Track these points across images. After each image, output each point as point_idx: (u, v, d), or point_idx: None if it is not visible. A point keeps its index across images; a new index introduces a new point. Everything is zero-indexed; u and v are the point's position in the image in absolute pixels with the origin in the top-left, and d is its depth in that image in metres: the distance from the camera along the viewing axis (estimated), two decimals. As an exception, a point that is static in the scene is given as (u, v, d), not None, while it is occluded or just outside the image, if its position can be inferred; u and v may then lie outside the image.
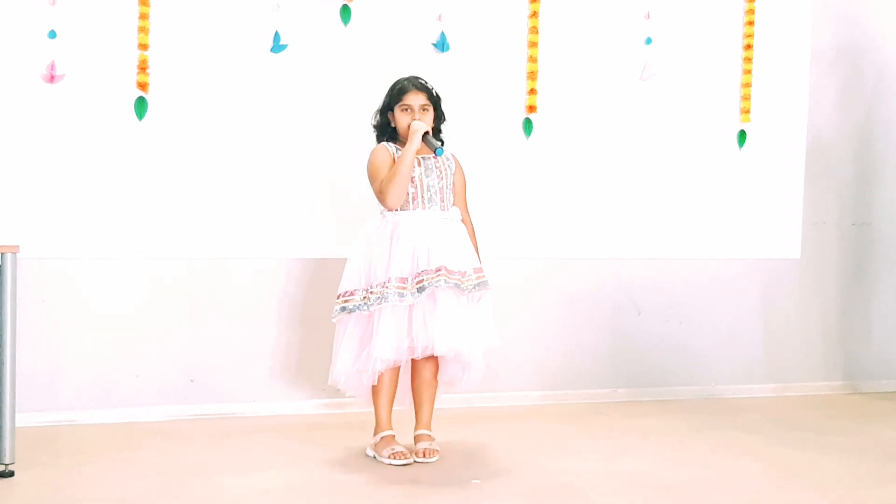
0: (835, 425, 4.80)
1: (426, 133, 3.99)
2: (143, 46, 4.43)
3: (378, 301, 3.89)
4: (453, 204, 4.09)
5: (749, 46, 5.31)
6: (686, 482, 3.79)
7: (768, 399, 5.35)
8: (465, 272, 3.97)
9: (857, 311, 5.61)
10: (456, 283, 3.91)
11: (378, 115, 4.12)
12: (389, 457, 3.93)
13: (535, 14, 4.96)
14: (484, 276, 4.06)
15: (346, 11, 4.73)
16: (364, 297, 3.93)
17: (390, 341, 3.88)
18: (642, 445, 4.34)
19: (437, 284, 3.88)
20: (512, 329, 4.79)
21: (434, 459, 3.98)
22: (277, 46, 4.64)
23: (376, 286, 3.91)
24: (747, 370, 5.42)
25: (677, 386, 5.29)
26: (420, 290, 3.89)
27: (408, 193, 3.98)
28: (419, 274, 3.90)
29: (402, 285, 3.89)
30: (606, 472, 3.90)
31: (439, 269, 3.90)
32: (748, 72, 5.31)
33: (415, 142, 3.96)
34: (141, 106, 4.47)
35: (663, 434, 4.54)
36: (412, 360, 4.05)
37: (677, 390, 5.28)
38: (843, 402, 5.37)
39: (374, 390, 4.02)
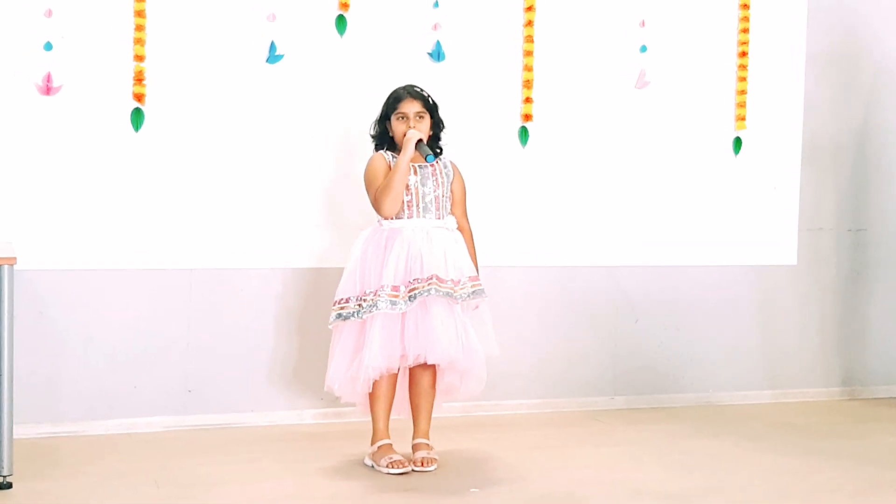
0: (834, 432, 4.80)
1: (420, 141, 4.00)
2: (140, 58, 4.44)
3: (370, 308, 3.90)
4: (451, 212, 4.11)
5: (744, 53, 5.32)
6: (688, 491, 3.79)
7: (766, 405, 5.35)
8: (459, 280, 3.97)
9: (854, 316, 5.62)
10: (448, 292, 3.91)
11: (376, 125, 4.14)
12: (387, 466, 3.93)
13: (530, 23, 4.97)
14: (480, 285, 4.07)
15: (341, 22, 4.74)
16: (358, 305, 3.94)
17: (382, 349, 3.89)
18: (642, 453, 4.34)
19: (428, 293, 3.89)
20: (510, 336, 4.79)
21: (432, 468, 3.98)
22: (273, 57, 4.65)
23: (369, 294, 3.92)
24: (745, 377, 5.42)
25: (675, 393, 5.29)
26: (412, 298, 3.90)
27: (403, 202, 4.00)
28: (412, 282, 3.91)
29: (395, 293, 3.90)
30: (607, 481, 3.90)
31: (431, 278, 3.91)
32: (743, 79, 5.33)
33: (408, 150, 3.97)
34: (137, 117, 4.47)
35: (663, 441, 4.54)
36: (409, 368, 4.05)
37: (675, 397, 5.28)
38: (841, 408, 5.37)
39: (371, 399, 4.03)
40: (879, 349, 5.64)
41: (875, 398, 5.58)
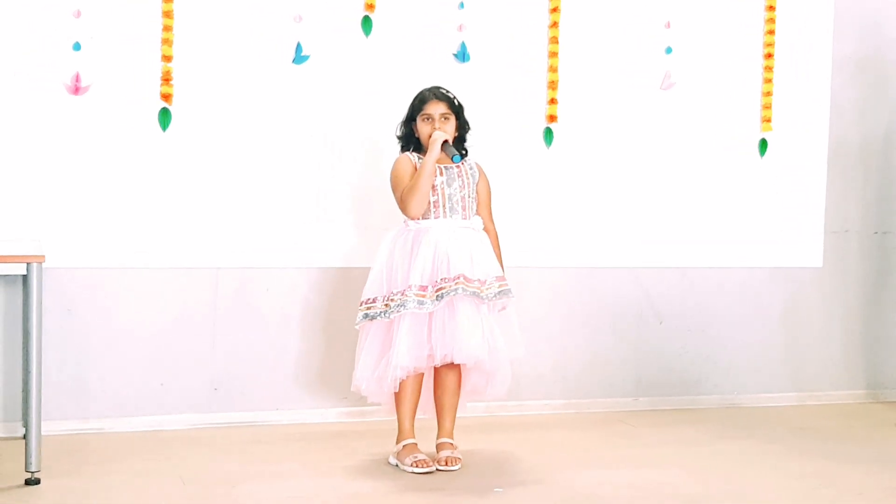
0: (858, 436, 4.78)
1: (445, 142, 4.01)
2: (167, 58, 4.47)
3: (398, 308, 3.91)
4: (477, 213, 4.12)
5: (770, 55, 5.30)
6: (712, 494, 3.79)
7: (791, 408, 5.32)
8: (486, 280, 3.98)
9: (879, 319, 5.58)
10: (474, 292, 3.92)
11: (402, 126, 4.16)
12: (412, 465, 3.94)
13: (555, 24, 4.97)
14: (507, 285, 4.07)
15: (367, 23, 4.76)
16: (385, 305, 3.96)
17: (410, 349, 3.91)
18: (666, 455, 4.33)
19: (455, 292, 3.90)
20: (534, 337, 4.79)
21: (457, 468, 3.98)
22: (299, 58, 4.67)
23: (396, 294, 3.93)
24: (769, 379, 5.40)
25: (699, 395, 5.28)
26: (439, 297, 3.91)
27: (429, 202, 4.01)
28: (439, 282, 3.92)
29: (422, 293, 3.91)
30: (631, 483, 3.90)
31: (458, 278, 3.92)
32: (769, 80, 5.31)
33: (434, 151, 3.99)
34: (165, 117, 4.50)
35: (687, 444, 4.53)
36: (435, 368, 4.06)
37: (699, 399, 5.27)
38: (866, 411, 5.34)
39: (397, 398, 4.04)
40: (904, 353, 5.61)
41: (901, 400, 5.56)
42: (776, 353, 5.41)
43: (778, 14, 5.31)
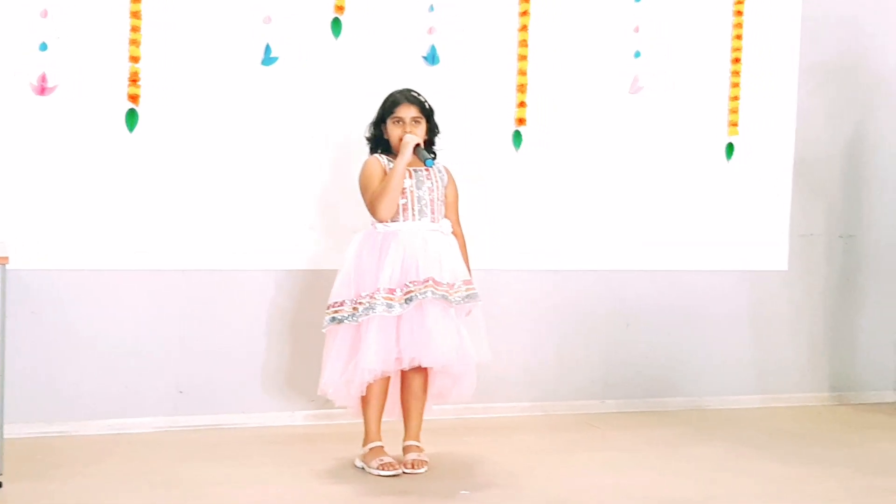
0: (825, 438, 4.82)
1: (417, 145, 4.01)
2: (135, 59, 4.44)
3: (366, 311, 3.91)
4: (444, 216, 4.12)
5: (737, 60, 5.34)
6: (684, 498, 3.81)
7: (757, 410, 5.36)
8: (454, 284, 3.99)
9: (844, 322, 5.64)
10: (443, 295, 3.93)
11: (371, 128, 4.16)
12: (378, 468, 3.94)
13: (524, 27, 4.98)
14: (474, 289, 4.08)
15: (336, 24, 4.75)
16: (353, 308, 3.95)
17: (378, 352, 3.90)
18: (634, 458, 4.35)
19: (424, 295, 3.90)
20: (502, 340, 4.79)
21: (423, 471, 3.99)
22: (268, 59, 4.66)
23: (365, 297, 3.93)
24: (735, 381, 5.44)
25: (666, 397, 5.31)
26: (408, 300, 3.91)
27: (399, 205, 4.01)
28: (408, 285, 3.92)
29: (390, 296, 3.91)
30: (600, 486, 3.92)
31: (427, 281, 3.92)
32: (736, 85, 5.34)
33: (406, 154, 3.99)
34: (132, 118, 4.48)
35: (655, 446, 4.55)
36: (401, 371, 4.06)
37: (666, 402, 5.29)
38: (830, 413, 5.38)
39: (364, 401, 4.04)
40: (868, 355, 5.66)
41: (864, 403, 5.60)
42: (742, 356, 5.45)
43: (746, 19, 5.34)
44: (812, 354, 5.58)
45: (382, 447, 4.02)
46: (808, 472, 4.17)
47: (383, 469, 3.93)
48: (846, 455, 4.48)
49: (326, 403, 4.36)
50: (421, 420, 4.12)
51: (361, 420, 4.07)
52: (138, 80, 4.46)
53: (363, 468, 4.01)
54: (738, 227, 5.41)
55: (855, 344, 5.65)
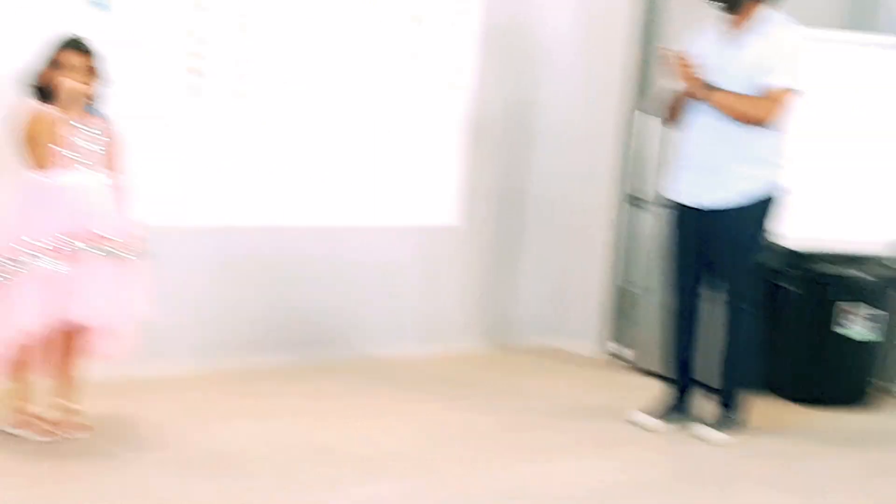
0: (481, 380, 5.22)
1: (80, 93, 3.87)
2: None
3: (19, 267, 3.73)
4: (108, 167, 3.99)
5: (417, 18, 5.44)
6: (342, 443, 4.03)
7: (424, 358, 5.57)
8: (114, 238, 3.88)
9: (509, 273, 5.97)
10: (105, 250, 3.84)
11: (35, 76, 3.94)
12: (33, 432, 3.81)
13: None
14: (136, 243, 3.98)
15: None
16: (4, 263, 3.76)
17: (31, 310, 3.74)
18: (302, 407, 4.50)
19: (85, 251, 3.79)
20: (167, 295, 4.64)
21: (80, 434, 3.90)
22: None
23: (18, 251, 3.75)
24: (405, 332, 5.63)
25: (339, 350, 5.40)
26: (66, 255, 3.76)
27: (58, 154, 3.83)
28: (65, 239, 3.78)
29: (47, 250, 3.75)
30: (264, 436, 4.05)
31: (86, 234, 3.80)
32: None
33: (69, 101, 3.84)
34: None
35: (323, 397, 4.69)
36: (57, 329, 3.90)
37: (338, 353, 5.38)
38: (490, 358, 5.71)
39: (17, 363, 3.87)
40: (529, 303, 6.01)
41: (523, 348, 5.93)
42: (412, 308, 5.64)
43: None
44: (479, 305, 5.88)
45: (36, 410, 3.88)
46: (459, 413, 4.57)
47: (38, 434, 3.81)
48: (495, 392, 4.97)
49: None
50: (78, 380, 3.99)
51: (14, 383, 3.90)
52: None
53: (16, 433, 3.85)
54: (410, 184, 5.56)
55: (518, 295, 6.00)
